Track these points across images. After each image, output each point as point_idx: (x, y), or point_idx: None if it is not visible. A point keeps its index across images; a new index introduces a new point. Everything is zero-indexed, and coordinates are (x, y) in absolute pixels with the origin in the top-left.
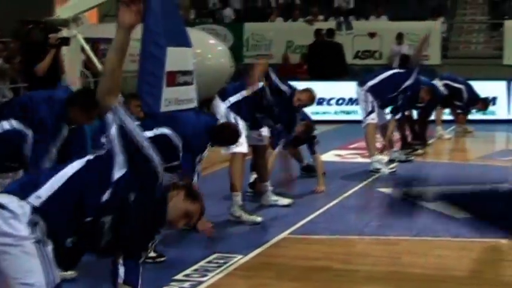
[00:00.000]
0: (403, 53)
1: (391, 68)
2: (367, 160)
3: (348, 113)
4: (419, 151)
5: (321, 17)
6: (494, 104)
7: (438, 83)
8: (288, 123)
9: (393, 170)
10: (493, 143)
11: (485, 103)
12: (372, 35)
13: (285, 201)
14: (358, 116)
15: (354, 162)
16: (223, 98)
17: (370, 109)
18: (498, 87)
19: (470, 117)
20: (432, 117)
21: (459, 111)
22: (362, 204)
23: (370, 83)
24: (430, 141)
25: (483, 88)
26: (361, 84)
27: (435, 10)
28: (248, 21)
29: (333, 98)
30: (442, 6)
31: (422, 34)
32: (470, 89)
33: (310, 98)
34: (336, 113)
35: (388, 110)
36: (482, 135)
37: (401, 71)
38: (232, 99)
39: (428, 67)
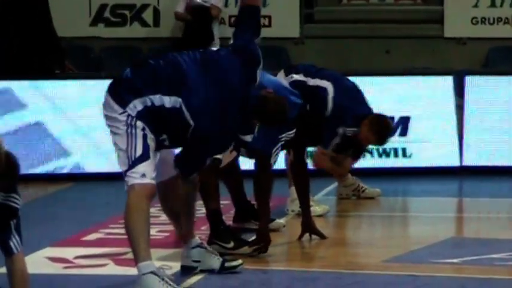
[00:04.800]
0: (196, 3)
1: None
2: (131, 270)
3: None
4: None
5: None
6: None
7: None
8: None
9: None
10: (427, 224)
11: (378, 129)
12: None
13: None
14: (113, 166)
15: (98, 275)
16: None
17: (138, 152)
18: (435, 92)
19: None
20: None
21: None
22: None
23: (139, 103)
24: (280, 222)
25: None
26: (121, 101)
27: None
28: None
29: (39, 124)
30: None
31: None
32: (341, 88)
33: None
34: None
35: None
36: (400, 206)
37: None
38: None
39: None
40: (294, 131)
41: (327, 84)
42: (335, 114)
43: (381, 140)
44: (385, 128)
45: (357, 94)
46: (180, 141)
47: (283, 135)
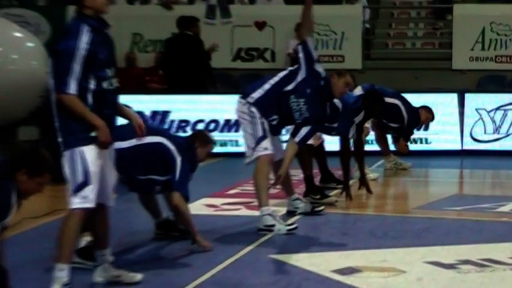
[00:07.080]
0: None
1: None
2: (255, 213)
3: (223, 143)
4: (332, 198)
5: None
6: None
7: None
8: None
9: (293, 227)
10: (440, 186)
11: (429, 111)
12: (260, 25)
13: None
14: (240, 147)
15: (235, 215)
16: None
17: (260, 134)
18: (446, 103)
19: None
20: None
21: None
22: (245, 281)
23: (256, 94)
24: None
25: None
26: (244, 96)
27: None
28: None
29: (202, 120)
30: None
31: (333, 23)
32: (406, 102)
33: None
34: None
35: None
36: (423, 174)
37: (293, 68)
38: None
39: None
40: (362, 114)
41: (396, 102)
42: (410, 120)
43: (433, 116)
44: (430, 109)
45: (408, 101)
46: (287, 122)
47: (356, 118)
